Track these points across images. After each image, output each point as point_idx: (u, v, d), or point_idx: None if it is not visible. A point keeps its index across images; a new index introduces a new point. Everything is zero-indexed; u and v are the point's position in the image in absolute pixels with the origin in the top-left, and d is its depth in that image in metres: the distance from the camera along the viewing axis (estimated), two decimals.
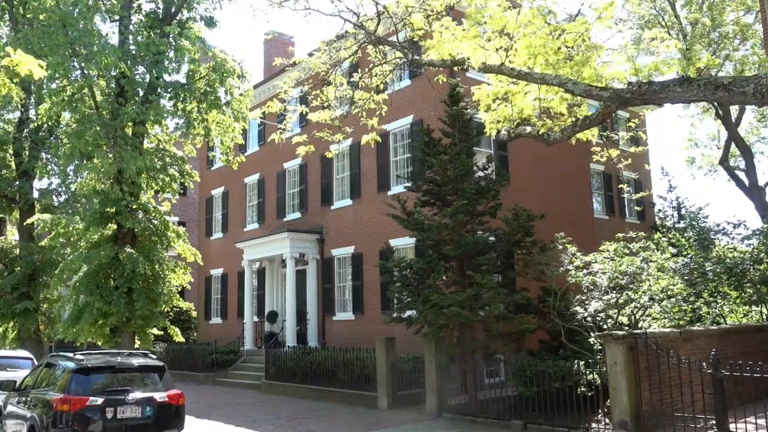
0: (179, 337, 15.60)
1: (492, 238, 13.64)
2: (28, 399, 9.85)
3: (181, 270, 15.51)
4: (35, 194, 22.72)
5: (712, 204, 61.66)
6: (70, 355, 9.58)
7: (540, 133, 9.19)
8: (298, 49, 33.93)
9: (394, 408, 14.89)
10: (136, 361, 9.49)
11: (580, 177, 22.56)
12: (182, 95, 14.86)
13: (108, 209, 14.41)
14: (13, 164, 22.30)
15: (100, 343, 15.19)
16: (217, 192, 28.53)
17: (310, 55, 12.02)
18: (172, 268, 15.31)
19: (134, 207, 14.68)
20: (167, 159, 15.06)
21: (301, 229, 22.06)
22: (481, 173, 14.61)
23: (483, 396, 13.66)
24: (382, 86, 11.30)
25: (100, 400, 8.58)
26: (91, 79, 12.81)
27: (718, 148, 26.72)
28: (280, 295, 24.07)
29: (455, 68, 9.55)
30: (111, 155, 13.06)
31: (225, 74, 14.78)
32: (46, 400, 9.03)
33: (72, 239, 14.90)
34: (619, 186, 24.89)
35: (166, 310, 15.68)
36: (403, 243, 18.72)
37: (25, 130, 22.60)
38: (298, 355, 18.65)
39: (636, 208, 26.97)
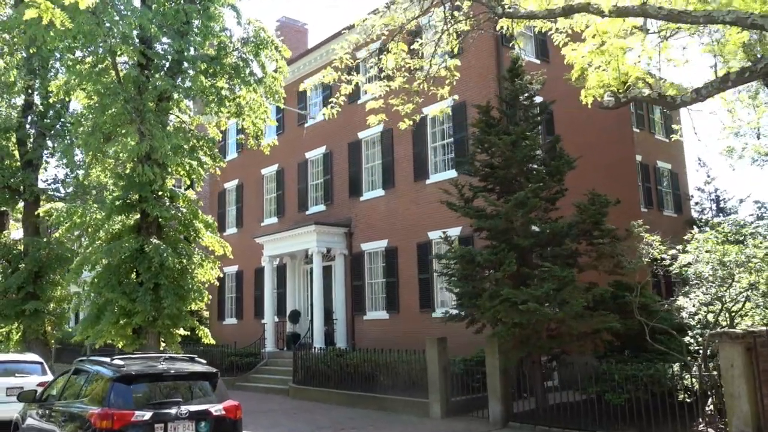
0: (209, 339, 14.05)
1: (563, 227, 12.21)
2: (54, 412, 8.34)
3: (209, 264, 13.96)
4: (41, 185, 21.14)
5: (754, 195, 59.17)
6: (106, 359, 8.06)
7: (663, 94, 7.75)
8: (312, 37, 32.53)
9: (449, 416, 13.43)
10: (185, 367, 7.99)
11: (626, 166, 21.14)
12: (211, 70, 13.32)
13: (132, 195, 12.87)
14: (17, 153, 20.73)
15: (120, 346, 13.65)
16: (231, 185, 26.98)
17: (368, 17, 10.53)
18: (200, 262, 13.78)
19: (161, 193, 13.16)
20: (193, 141, 13.49)
21: (329, 222, 20.57)
22: (544, 155, 13.19)
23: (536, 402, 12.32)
24: (456, 50, 9.85)
25: (147, 415, 7.07)
26: (118, 45, 11.25)
27: (758, 138, 25.39)
28: (302, 293, 22.60)
29: (563, 20, 8.11)
30: (138, 133, 11.50)
31: (260, 46, 13.27)
32: (79, 414, 7.53)
33: (89, 230, 13.36)
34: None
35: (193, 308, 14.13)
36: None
37: (30, 117, 21.05)
38: (331, 357, 17.16)
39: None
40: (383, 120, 9.54)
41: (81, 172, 13.45)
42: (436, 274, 14.34)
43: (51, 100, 14.15)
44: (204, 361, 8.43)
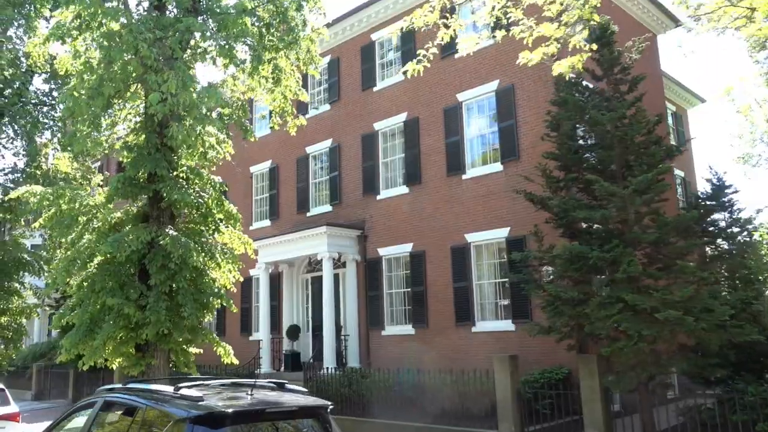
0: (231, 358, 11.21)
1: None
2: None
3: (228, 265, 11.17)
4: None
5: None
6: (163, 388, 5.30)
7: None
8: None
9: None
10: (288, 400, 5.36)
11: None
12: (237, 26, 10.62)
13: (142, 172, 10.02)
14: None
15: (116, 366, 10.68)
16: None
17: None
18: (218, 262, 10.99)
19: (175, 173, 10.36)
20: (221, 106, 10.66)
21: (341, 224, 18.00)
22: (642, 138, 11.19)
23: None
24: None
25: None
26: None
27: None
28: (301, 305, 19.87)
29: None
30: (166, 82, 8.67)
31: None
32: None
33: (80, 219, 10.42)
34: None
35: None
36: (487, 237, 15.06)
37: None
38: (355, 379, 14.58)
39: None
40: (530, 62, 7.21)
41: (68, 150, 10.44)
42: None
43: (31, 62, 11.18)
44: (304, 389, 5.78)
